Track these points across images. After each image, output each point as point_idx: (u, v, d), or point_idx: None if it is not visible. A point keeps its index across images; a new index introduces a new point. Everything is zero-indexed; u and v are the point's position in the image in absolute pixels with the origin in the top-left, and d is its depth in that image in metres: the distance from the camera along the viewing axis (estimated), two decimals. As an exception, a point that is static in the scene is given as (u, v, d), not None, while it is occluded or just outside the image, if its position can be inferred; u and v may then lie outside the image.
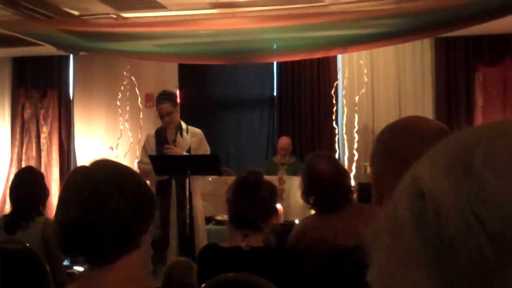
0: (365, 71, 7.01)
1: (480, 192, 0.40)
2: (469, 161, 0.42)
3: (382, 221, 0.46)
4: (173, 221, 4.59)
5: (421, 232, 0.41)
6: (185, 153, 4.66)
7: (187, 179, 4.46)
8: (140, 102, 7.50)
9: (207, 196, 5.36)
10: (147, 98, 7.98)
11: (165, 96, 4.76)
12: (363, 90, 6.99)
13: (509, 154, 0.41)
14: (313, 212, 2.93)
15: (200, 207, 4.79)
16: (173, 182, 4.64)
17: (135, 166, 6.81)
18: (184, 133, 4.79)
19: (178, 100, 4.91)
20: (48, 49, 6.81)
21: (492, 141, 0.43)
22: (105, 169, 1.35)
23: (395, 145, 1.22)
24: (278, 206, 3.06)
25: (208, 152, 4.83)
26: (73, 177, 1.35)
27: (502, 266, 0.37)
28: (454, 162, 0.43)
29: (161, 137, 4.80)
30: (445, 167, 0.43)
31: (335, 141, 7.01)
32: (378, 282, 0.45)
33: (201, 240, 4.61)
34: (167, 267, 3.05)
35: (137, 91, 7.41)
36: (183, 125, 4.86)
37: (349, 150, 6.86)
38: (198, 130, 4.89)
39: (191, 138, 4.77)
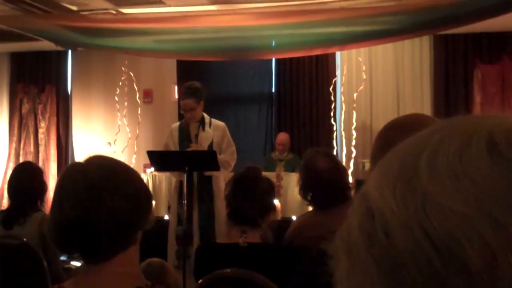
0: (364, 68, 7.01)
1: (425, 206, 0.39)
2: (414, 172, 0.41)
3: (338, 241, 0.44)
4: (195, 217, 4.58)
5: (373, 252, 0.40)
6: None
7: (211, 176, 4.50)
8: (138, 98, 7.49)
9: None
10: (146, 93, 7.99)
11: (189, 91, 4.58)
12: (361, 87, 6.99)
13: (449, 161, 0.40)
14: (310, 208, 2.93)
15: (222, 203, 4.75)
16: (195, 178, 4.58)
17: (133, 162, 6.83)
18: (207, 127, 4.69)
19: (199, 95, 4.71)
20: (46, 45, 6.81)
21: (436, 148, 0.41)
22: (100, 166, 1.34)
23: (389, 139, 1.20)
24: (276, 202, 3.06)
25: (233, 146, 4.76)
26: (68, 174, 1.34)
27: (450, 278, 0.37)
28: (399, 174, 0.42)
29: (184, 131, 4.74)
30: (392, 181, 0.42)
31: (333, 138, 7.00)
32: None
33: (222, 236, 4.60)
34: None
35: (136, 87, 7.40)
36: (206, 118, 4.72)
37: (347, 147, 6.85)
38: (221, 124, 4.76)
39: (213, 132, 4.67)
